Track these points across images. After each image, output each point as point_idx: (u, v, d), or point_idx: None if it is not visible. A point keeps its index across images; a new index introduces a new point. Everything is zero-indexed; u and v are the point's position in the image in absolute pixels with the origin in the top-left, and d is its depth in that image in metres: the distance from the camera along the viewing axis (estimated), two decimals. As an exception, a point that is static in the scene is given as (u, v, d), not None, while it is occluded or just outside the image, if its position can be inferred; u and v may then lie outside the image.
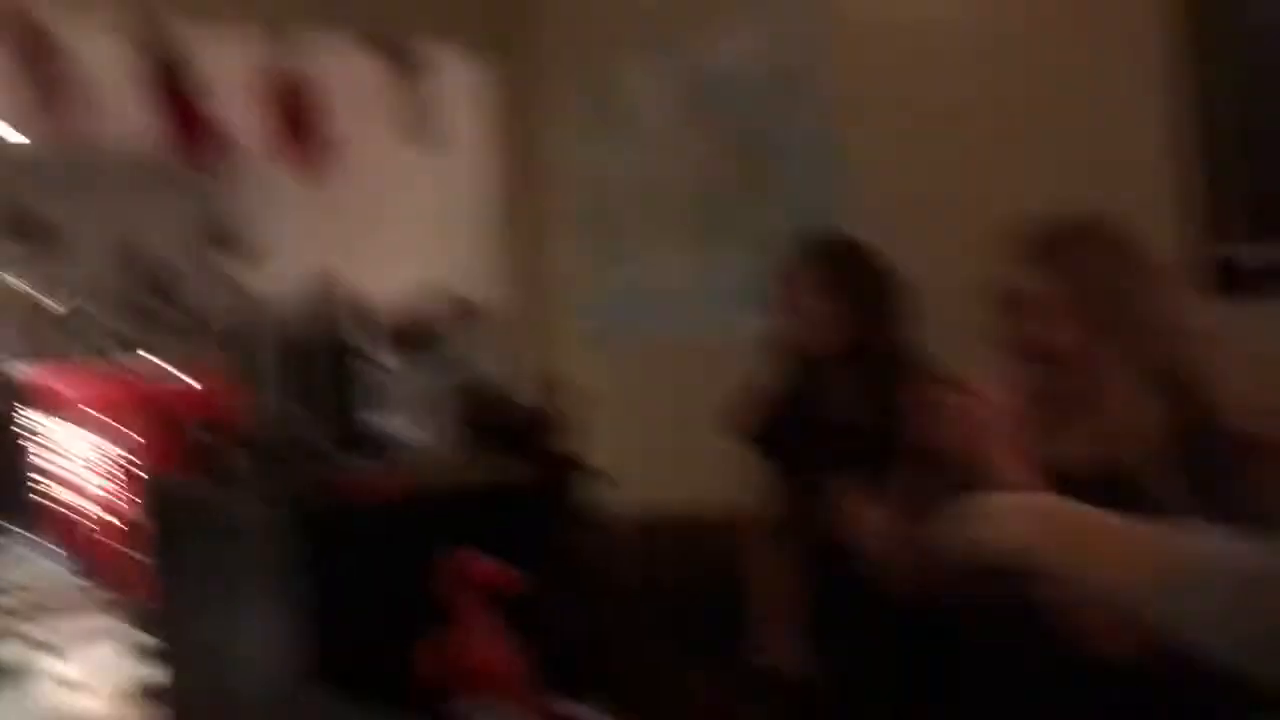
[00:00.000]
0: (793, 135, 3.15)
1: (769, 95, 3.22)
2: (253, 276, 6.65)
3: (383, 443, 3.17)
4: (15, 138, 5.67)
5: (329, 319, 3.27)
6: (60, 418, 5.72)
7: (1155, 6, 2.22)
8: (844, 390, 2.19)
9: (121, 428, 5.12)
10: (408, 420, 3.33)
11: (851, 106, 2.95)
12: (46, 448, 5.86)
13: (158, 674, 3.08)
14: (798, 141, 3.14)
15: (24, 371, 6.20)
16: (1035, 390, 1.48)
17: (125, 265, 7.28)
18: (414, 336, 3.50)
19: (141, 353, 6.17)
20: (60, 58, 3.38)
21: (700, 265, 3.49)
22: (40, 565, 5.62)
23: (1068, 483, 1.27)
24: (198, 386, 5.26)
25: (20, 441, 6.00)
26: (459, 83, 4.10)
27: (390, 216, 5.07)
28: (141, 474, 4.41)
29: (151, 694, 3.14)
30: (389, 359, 3.40)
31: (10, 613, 4.78)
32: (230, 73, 3.59)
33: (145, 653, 3.19)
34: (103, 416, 5.29)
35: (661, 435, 3.51)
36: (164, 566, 3.07)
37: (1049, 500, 1.16)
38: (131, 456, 4.97)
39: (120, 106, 3.44)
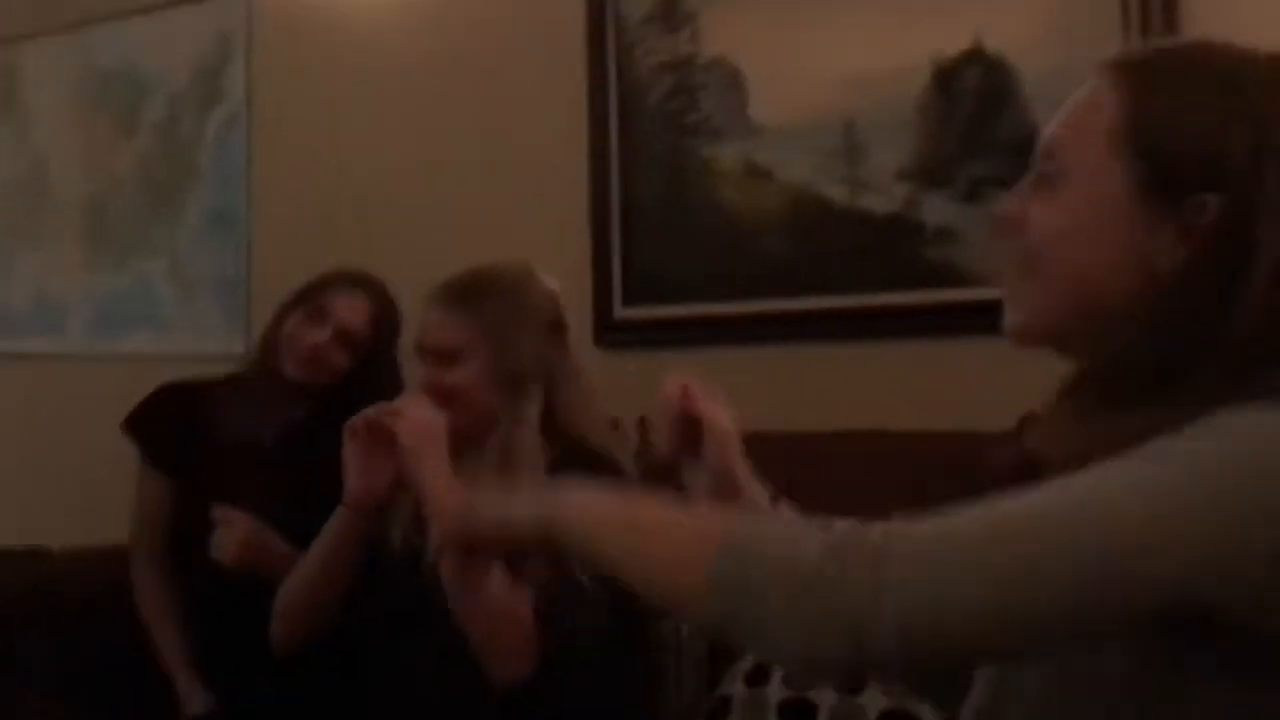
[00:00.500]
0: (204, 135, 3.10)
1: (177, 93, 3.14)
2: None
3: None
4: None
5: None
6: None
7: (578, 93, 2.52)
8: (243, 412, 2.20)
9: None
10: None
11: (268, 117, 2.99)
12: None
13: None
14: (210, 141, 3.09)
15: None
16: (450, 422, 1.63)
17: None
18: None
19: None
20: None
21: (92, 272, 3.29)
22: None
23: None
24: None
25: None
26: None
27: None
28: None
29: None
30: None
31: None
32: None
33: None
34: None
35: (38, 458, 3.25)
36: None
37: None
38: None
39: None
